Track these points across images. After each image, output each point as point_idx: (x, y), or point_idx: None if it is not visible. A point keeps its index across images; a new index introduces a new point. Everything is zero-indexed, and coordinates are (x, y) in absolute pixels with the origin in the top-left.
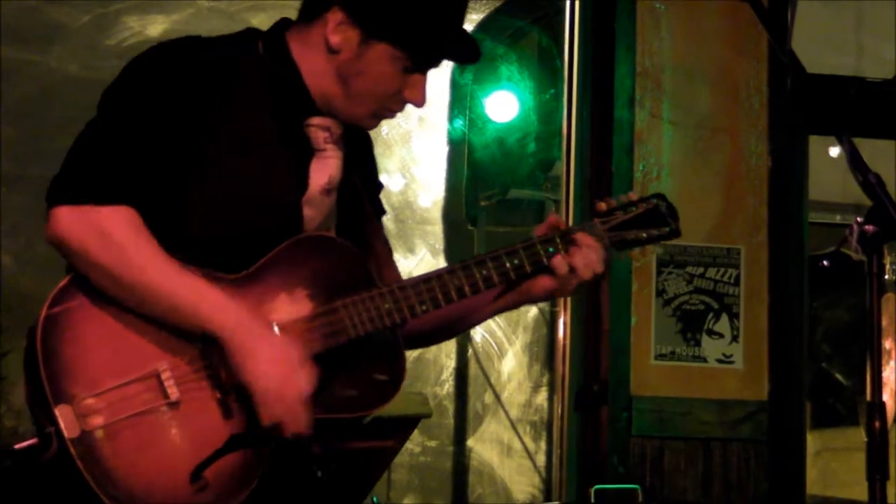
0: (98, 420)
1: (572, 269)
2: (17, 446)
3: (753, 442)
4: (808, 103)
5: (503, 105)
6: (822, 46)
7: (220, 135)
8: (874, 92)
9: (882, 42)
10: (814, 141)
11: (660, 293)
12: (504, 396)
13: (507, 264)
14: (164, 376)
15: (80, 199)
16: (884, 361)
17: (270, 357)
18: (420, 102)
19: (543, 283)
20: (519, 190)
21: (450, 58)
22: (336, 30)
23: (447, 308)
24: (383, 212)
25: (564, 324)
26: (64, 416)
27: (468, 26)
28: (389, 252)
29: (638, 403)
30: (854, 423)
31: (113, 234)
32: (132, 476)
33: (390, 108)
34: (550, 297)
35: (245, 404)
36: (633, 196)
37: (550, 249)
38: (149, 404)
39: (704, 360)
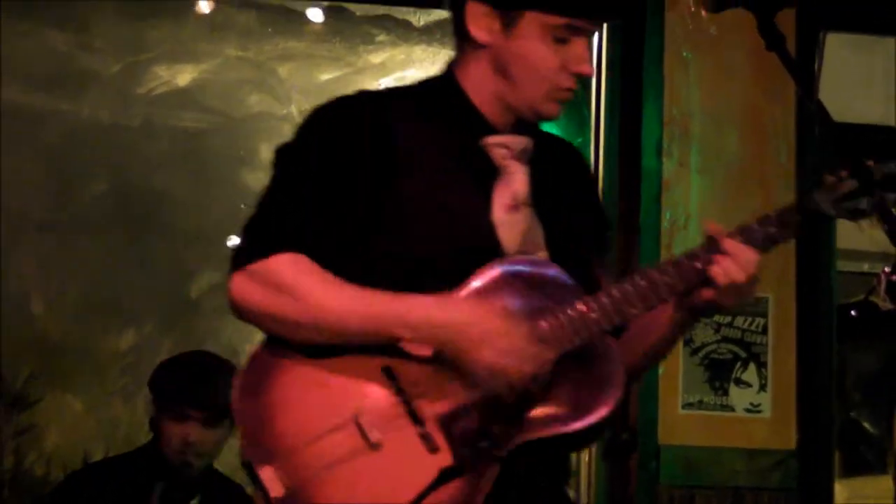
0: (301, 475)
1: (715, 277)
2: None
3: (782, 490)
4: (837, 151)
5: None
6: (851, 93)
7: (401, 173)
8: None
9: None
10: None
11: (687, 342)
12: None
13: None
14: (362, 420)
15: (248, 260)
16: None
17: (493, 333)
18: (586, 70)
19: (703, 294)
20: None
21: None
22: (476, 24)
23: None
24: (603, 239)
25: None
26: (267, 477)
27: None
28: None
29: (666, 452)
30: (883, 471)
31: (280, 280)
32: None
33: (560, 86)
34: (712, 308)
35: (448, 435)
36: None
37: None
38: (351, 450)
39: (732, 409)
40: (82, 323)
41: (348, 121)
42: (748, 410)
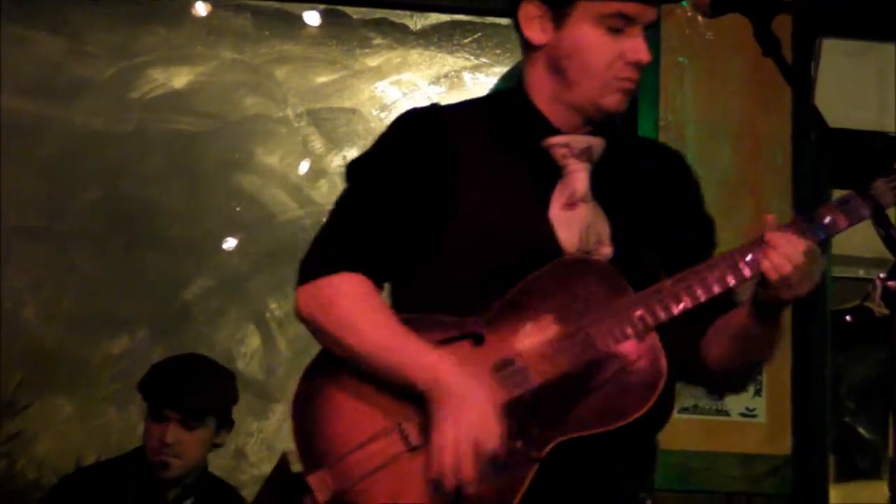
0: (348, 480)
1: (766, 273)
2: None
3: (777, 497)
4: (832, 158)
5: None
6: (844, 101)
7: (467, 181)
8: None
9: None
10: (837, 195)
11: None
12: None
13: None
14: (404, 425)
15: (315, 275)
16: None
17: (455, 414)
18: (643, 58)
19: (761, 290)
20: None
21: None
22: (530, 26)
23: (725, 328)
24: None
25: None
26: (315, 483)
27: (492, 79)
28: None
29: (661, 457)
30: (878, 476)
31: (336, 302)
32: None
33: (618, 76)
34: (776, 303)
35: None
36: None
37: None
38: (394, 454)
39: (727, 414)
40: (75, 329)
41: (413, 137)
42: (743, 415)
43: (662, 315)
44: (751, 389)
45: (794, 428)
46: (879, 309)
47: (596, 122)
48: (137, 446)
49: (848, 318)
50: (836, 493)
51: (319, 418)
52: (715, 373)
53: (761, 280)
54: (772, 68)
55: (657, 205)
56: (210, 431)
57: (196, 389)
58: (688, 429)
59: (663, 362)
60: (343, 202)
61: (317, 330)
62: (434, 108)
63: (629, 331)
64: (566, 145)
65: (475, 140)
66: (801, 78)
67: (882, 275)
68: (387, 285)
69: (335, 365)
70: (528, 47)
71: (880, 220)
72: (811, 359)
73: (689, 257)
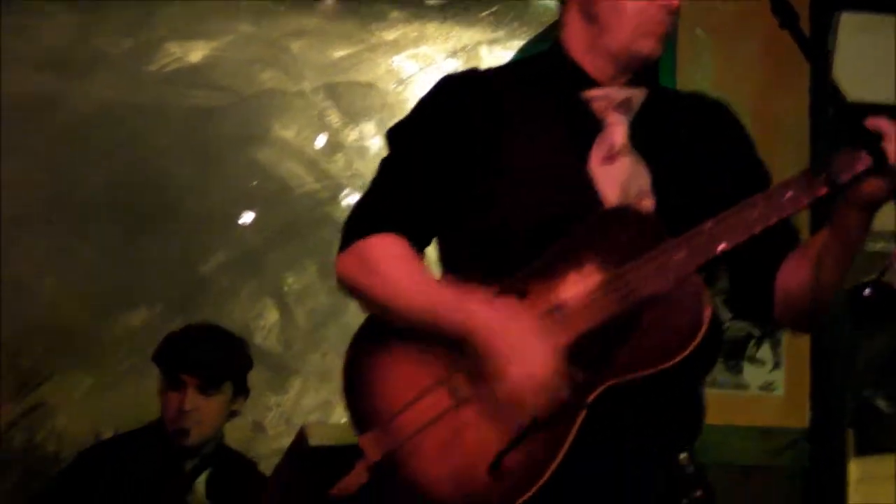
0: (398, 439)
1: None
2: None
3: (795, 469)
4: (850, 131)
5: None
6: (861, 75)
7: (507, 138)
8: None
9: None
10: None
11: None
12: None
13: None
14: (452, 381)
15: (351, 240)
16: None
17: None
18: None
19: (865, 189)
20: None
21: None
22: None
23: (803, 257)
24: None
25: None
26: (367, 443)
27: (509, 52)
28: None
29: None
30: None
31: (371, 260)
32: (436, 479)
33: (651, 19)
34: (877, 200)
35: None
36: None
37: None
38: (442, 410)
39: (746, 388)
40: (93, 303)
41: (452, 99)
42: (762, 388)
43: (703, 257)
44: (769, 363)
45: (812, 402)
46: None
47: (632, 69)
48: (154, 419)
49: (866, 292)
50: (854, 467)
51: (367, 382)
52: (797, 305)
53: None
54: (789, 42)
55: (699, 154)
56: (227, 397)
57: (212, 354)
58: (706, 402)
59: (706, 303)
60: (383, 167)
61: (360, 293)
62: (472, 71)
63: (670, 275)
64: (605, 97)
65: (514, 97)
66: (818, 51)
67: None
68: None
69: (379, 330)
70: (563, 2)
71: None
72: (830, 333)
73: (707, 194)
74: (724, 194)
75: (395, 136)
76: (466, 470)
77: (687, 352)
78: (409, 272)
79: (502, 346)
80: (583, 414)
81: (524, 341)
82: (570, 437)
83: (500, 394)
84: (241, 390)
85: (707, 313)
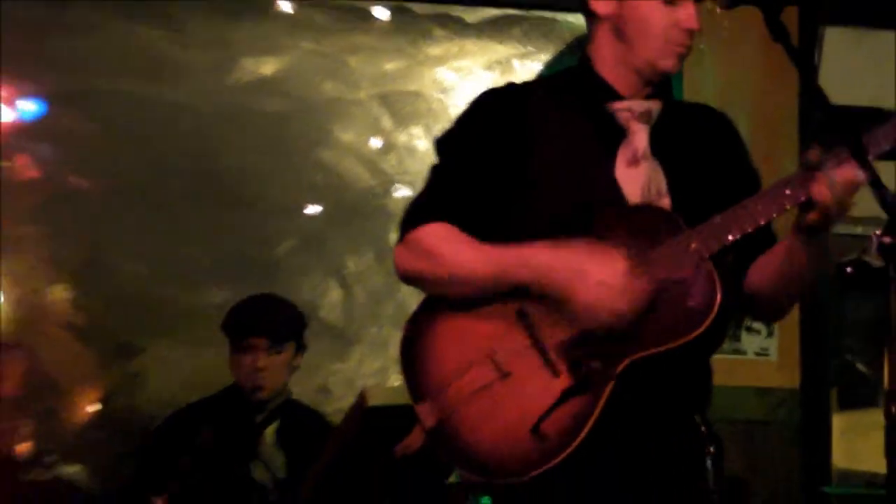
0: (448, 407)
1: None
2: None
3: (788, 423)
4: (834, 130)
5: None
6: (844, 81)
7: (539, 144)
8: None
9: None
10: None
11: None
12: None
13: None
14: (497, 356)
15: (405, 232)
16: None
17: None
18: (693, 25)
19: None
20: None
21: None
22: (596, 0)
23: (770, 261)
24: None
25: None
26: (422, 412)
27: (538, 65)
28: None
29: None
30: (875, 405)
31: (425, 245)
32: (483, 442)
33: (674, 41)
34: (820, 224)
35: (567, 360)
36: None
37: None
38: (488, 381)
39: (744, 353)
40: (182, 281)
41: (493, 109)
42: (758, 354)
43: (715, 246)
44: (764, 331)
45: (801, 365)
46: (876, 261)
47: (652, 84)
48: (228, 385)
49: (848, 269)
50: (838, 421)
51: (422, 356)
52: (759, 300)
53: (804, 205)
54: (780, 52)
55: (707, 160)
56: (290, 354)
57: (276, 318)
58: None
59: (717, 287)
60: (433, 173)
61: (422, 276)
62: (510, 85)
63: (687, 262)
64: (628, 109)
65: (548, 108)
66: (806, 61)
67: (878, 231)
68: None
69: (434, 309)
70: (593, 20)
71: (877, 185)
72: (817, 304)
73: (717, 196)
74: (726, 194)
75: (443, 144)
76: (510, 433)
77: (702, 329)
78: (467, 245)
79: (567, 270)
80: (611, 384)
81: (588, 261)
82: (601, 405)
83: (578, 308)
84: (300, 347)
85: (718, 296)
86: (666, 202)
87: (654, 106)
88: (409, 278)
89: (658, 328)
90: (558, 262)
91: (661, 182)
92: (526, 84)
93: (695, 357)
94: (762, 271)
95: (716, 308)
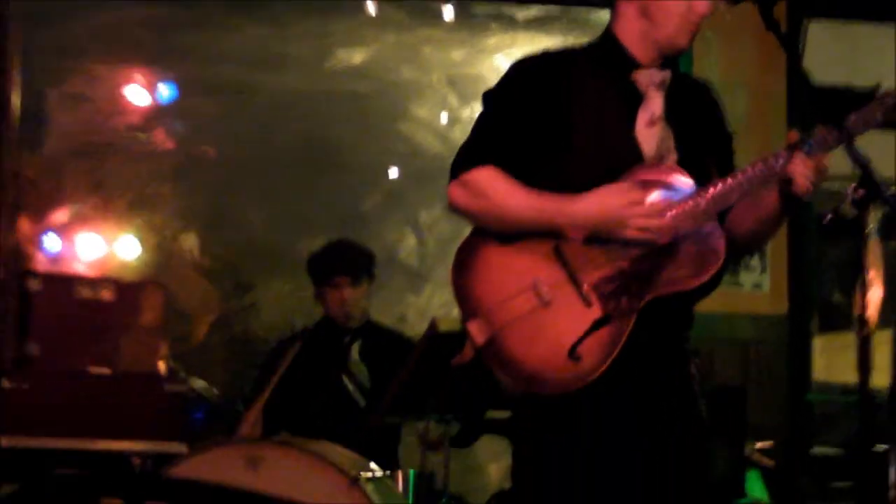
0: (497, 326)
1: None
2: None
3: (778, 343)
4: (816, 105)
5: None
6: (824, 64)
7: (572, 103)
8: (861, 96)
9: (871, 59)
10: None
11: None
12: None
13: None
14: (539, 286)
15: (457, 172)
16: (869, 287)
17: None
18: (705, 10)
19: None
20: None
21: None
22: None
23: (749, 213)
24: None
25: None
26: (473, 329)
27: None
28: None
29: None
30: (848, 328)
31: (479, 186)
32: (527, 361)
33: (689, 21)
34: (794, 197)
35: (599, 294)
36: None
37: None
38: (531, 308)
39: (742, 286)
40: (287, 230)
41: (532, 69)
42: (753, 286)
43: (721, 207)
44: (758, 268)
45: (789, 295)
46: (851, 212)
47: (668, 56)
48: (323, 316)
49: (826, 219)
50: (818, 341)
51: (473, 279)
52: (738, 244)
53: (784, 179)
54: (773, 41)
55: (701, 121)
56: (367, 286)
57: (356, 257)
58: (713, 296)
59: (722, 240)
60: (480, 120)
61: (473, 213)
62: (544, 52)
63: (698, 217)
64: (648, 77)
65: (578, 73)
66: (793, 48)
67: (853, 186)
68: None
69: (482, 238)
70: (618, 4)
71: (850, 148)
72: (801, 246)
73: (724, 158)
74: (712, 151)
75: (489, 97)
76: (550, 354)
77: (710, 275)
78: (514, 189)
79: (599, 213)
80: (634, 317)
81: (615, 199)
82: (627, 332)
83: (627, 230)
84: (373, 279)
85: (723, 249)
86: (673, 157)
87: (667, 75)
88: (461, 212)
89: (677, 272)
90: (592, 209)
91: (670, 140)
92: (560, 51)
93: (697, 297)
94: (743, 222)
95: (721, 260)
